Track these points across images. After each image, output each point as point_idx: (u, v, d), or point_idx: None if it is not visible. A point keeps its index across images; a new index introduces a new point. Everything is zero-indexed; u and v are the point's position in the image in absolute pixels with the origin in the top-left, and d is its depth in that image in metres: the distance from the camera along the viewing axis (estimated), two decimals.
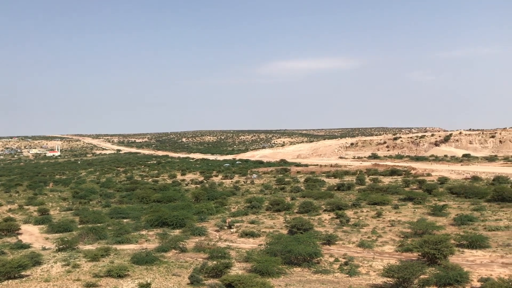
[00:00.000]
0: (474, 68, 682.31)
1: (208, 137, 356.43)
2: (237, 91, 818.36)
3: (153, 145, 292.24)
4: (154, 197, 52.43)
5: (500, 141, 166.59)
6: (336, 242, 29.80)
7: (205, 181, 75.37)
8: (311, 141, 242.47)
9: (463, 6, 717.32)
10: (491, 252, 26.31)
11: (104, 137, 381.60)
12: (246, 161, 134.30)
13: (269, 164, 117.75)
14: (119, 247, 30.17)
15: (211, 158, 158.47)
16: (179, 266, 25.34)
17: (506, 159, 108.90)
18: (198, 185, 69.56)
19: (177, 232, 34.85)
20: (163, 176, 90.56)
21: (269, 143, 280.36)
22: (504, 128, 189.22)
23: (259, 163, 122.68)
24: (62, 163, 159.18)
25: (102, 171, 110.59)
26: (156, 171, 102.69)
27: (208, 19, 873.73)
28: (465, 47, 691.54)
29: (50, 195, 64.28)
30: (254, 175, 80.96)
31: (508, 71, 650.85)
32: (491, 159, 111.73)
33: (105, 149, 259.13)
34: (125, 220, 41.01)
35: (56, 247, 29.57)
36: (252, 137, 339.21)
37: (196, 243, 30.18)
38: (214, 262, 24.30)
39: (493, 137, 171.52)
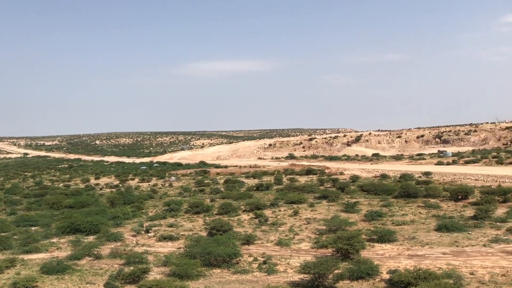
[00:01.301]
0: (381, 73, 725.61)
1: (124, 139, 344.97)
2: (154, 91, 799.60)
3: (64, 148, 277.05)
4: (66, 202, 49.65)
5: (406, 141, 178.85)
6: (255, 242, 30.18)
7: (120, 185, 72.85)
8: (230, 143, 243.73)
9: (372, 15, 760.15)
10: (399, 245, 28.07)
11: (9, 140, 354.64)
12: (164, 163, 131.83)
13: (188, 166, 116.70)
14: (26, 257, 28.20)
15: (127, 161, 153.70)
16: (94, 274, 24.25)
17: (411, 157, 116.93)
18: (113, 189, 67.04)
19: (91, 238, 33.32)
20: (75, 180, 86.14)
21: (188, 145, 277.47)
22: (409, 129, 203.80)
23: (178, 165, 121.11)
24: None
25: (7, 176, 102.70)
26: (67, 175, 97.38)
27: (120, 18, 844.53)
28: (374, 53, 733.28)
29: None
30: (173, 178, 79.70)
31: (410, 76, 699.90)
32: (398, 157, 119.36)
33: (11, 153, 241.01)
34: (33, 228, 38.37)
35: None
36: (170, 138, 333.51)
37: (112, 249, 29.04)
38: (131, 268, 23.54)
39: (399, 137, 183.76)
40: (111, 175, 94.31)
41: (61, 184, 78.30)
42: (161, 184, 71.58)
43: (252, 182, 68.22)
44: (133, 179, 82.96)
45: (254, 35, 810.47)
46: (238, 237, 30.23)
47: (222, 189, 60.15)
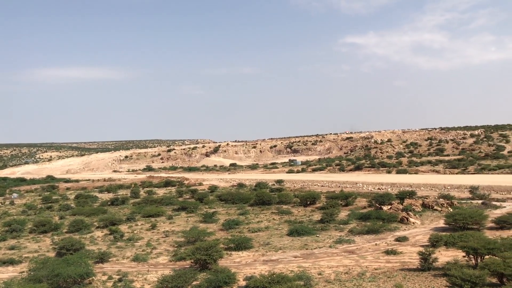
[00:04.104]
0: (237, 86, 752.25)
1: None
2: None
3: None
4: None
5: (260, 151, 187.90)
6: (110, 259, 28.67)
7: None
8: (82, 155, 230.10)
9: (228, 31, 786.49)
10: (254, 251, 29.10)
11: None
12: (5, 179, 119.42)
13: (33, 181, 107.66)
14: None
15: None
16: None
17: (265, 166, 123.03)
18: None
19: None
20: None
21: (33, 158, 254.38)
22: (263, 140, 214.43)
23: (21, 181, 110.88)
24: None
25: None
26: None
27: None
28: (231, 66, 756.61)
29: None
30: (15, 195, 72.32)
31: (264, 89, 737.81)
32: (253, 167, 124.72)
33: None
34: None
35: None
36: (12, 151, 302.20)
37: None
38: None
39: (254, 147, 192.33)
40: None
41: None
42: (1, 203, 64.45)
43: (106, 196, 65.11)
44: None
45: (110, 42, 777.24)
46: (91, 256, 28.38)
47: (72, 205, 56.38)
